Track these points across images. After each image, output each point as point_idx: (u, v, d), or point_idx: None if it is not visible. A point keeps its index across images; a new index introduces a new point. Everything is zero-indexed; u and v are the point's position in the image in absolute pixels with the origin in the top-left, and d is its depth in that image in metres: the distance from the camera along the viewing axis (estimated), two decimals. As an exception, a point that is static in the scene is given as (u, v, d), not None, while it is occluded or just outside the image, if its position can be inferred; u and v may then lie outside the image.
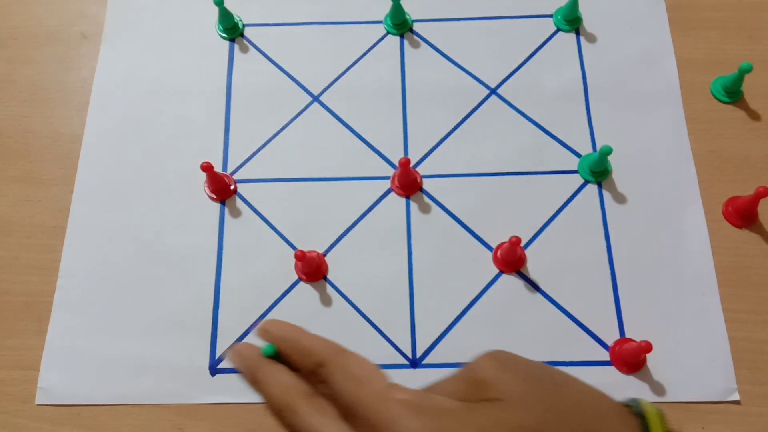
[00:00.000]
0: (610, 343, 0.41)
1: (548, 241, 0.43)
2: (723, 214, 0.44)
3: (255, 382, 0.34)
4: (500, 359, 0.29)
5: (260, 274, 0.43)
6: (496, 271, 0.43)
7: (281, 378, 0.34)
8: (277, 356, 0.36)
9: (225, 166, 0.46)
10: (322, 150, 0.46)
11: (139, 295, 0.42)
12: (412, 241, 0.44)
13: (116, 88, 0.49)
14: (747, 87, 0.47)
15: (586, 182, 0.45)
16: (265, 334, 0.37)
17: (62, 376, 0.40)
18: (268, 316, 0.42)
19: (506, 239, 0.41)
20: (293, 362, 0.35)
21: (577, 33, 0.50)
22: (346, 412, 0.30)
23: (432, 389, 0.31)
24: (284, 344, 0.35)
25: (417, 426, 0.26)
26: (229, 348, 0.36)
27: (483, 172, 0.46)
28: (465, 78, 0.49)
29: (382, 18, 0.51)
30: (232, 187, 0.45)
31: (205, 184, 0.45)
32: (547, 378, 0.29)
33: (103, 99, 0.48)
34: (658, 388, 0.39)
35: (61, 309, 0.42)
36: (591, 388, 0.29)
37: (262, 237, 0.44)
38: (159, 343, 0.41)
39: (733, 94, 0.47)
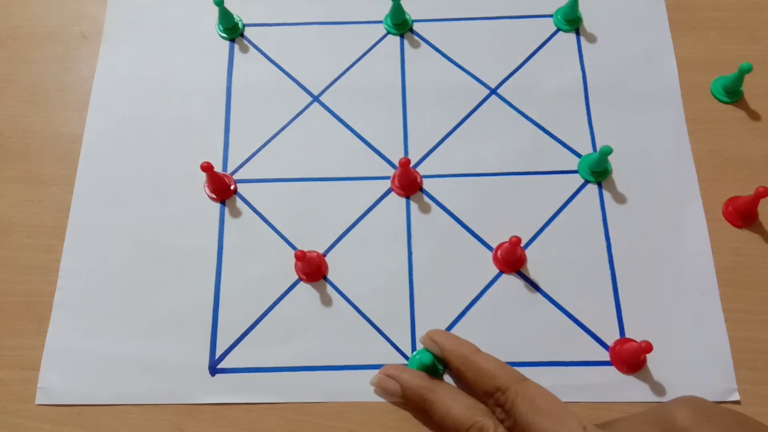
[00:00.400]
0: (610, 343, 0.41)
1: (548, 241, 0.43)
2: (723, 214, 0.44)
3: (427, 403, 0.33)
4: (697, 408, 0.28)
5: (260, 274, 0.43)
6: (496, 271, 0.43)
7: (462, 398, 0.33)
8: (431, 368, 0.36)
9: (225, 166, 0.46)
10: (322, 150, 0.47)
11: (139, 295, 0.42)
12: (412, 241, 0.44)
13: (116, 88, 0.49)
14: (747, 87, 0.47)
15: (586, 182, 0.45)
16: (433, 345, 0.36)
17: (62, 376, 0.40)
18: (269, 316, 0.42)
19: (506, 239, 0.41)
20: (464, 379, 0.34)
21: (577, 33, 0.50)
22: None
23: (621, 426, 0.30)
24: (458, 360, 0.34)
25: None
26: (379, 375, 0.35)
27: (483, 172, 0.46)
28: (465, 78, 0.49)
29: (382, 18, 0.51)
30: (232, 187, 0.45)
31: (205, 184, 0.45)
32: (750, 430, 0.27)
33: (103, 99, 0.48)
34: (658, 389, 0.39)
35: (61, 309, 0.42)
36: None
37: (262, 237, 0.44)
38: (159, 343, 0.41)
39: (733, 94, 0.47)
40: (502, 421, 0.31)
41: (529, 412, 0.30)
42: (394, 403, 0.38)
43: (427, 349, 0.38)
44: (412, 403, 0.35)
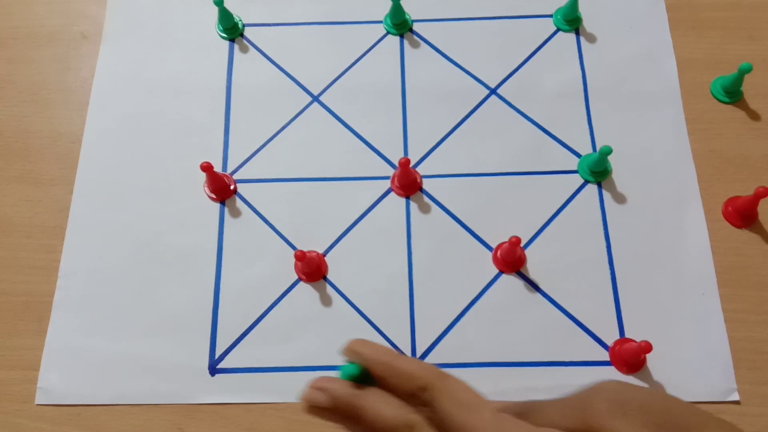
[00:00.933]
0: (610, 343, 0.41)
1: (548, 241, 0.43)
2: (723, 214, 0.44)
3: (357, 409, 0.33)
4: (613, 399, 0.27)
5: (260, 274, 0.43)
6: (496, 271, 0.43)
7: (391, 400, 0.33)
8: (361, 378, 0.36)
9: (225, 166, 0.46)
10: (322, 150, 0.46)
11: (139, 295, 0.42)
12: (412, 241, 0.44)
13: (116, 88, 0.49)
14: (747, 87, 0.47)
15: (586, 182, 0.45)
16: (354, 355, 0.36)
17: (62, 376, 0.40)
18: (269, 316, 0.42)
19: (506, 239, 0.41)
20: (389, 385, 0.34)
21: (577, 33, 0.50)
22: None
23: (539, 415, 0.30)
24: (380, 367, 0.34)
25: None
26: (307, 390, 0.35)
27: (483, 172, 0.46)
28: (465, 78, 0.49)
29: (382, 18, 0.51)
30: (231, 187, 0.45)
31: (205, 184, 0.45)
32: (673, 424, 0.27)
33: (103, 99, 0.48)
34: (658, 388, 0.39)
35: (61, 309, 0.42)
36: (724, 426, 0.27)
37: (262, 237, 0.44)
38: (159, 343, 0.41)
39: (732, 94, 0.47)
40: (428, 419, 0.32)
41: (448, 406, 0.31)
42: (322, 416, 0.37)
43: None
44: (342, 413, 0.35)
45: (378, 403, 0.33)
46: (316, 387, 0.35)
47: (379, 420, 0.33)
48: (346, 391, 0.34)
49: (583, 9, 0.50)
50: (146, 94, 0.48)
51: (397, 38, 0.50)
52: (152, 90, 0.49)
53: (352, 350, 0.36)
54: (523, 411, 0.30)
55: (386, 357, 0.35)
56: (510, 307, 0.42)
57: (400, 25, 0.50)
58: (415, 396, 0.33)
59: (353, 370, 0.35)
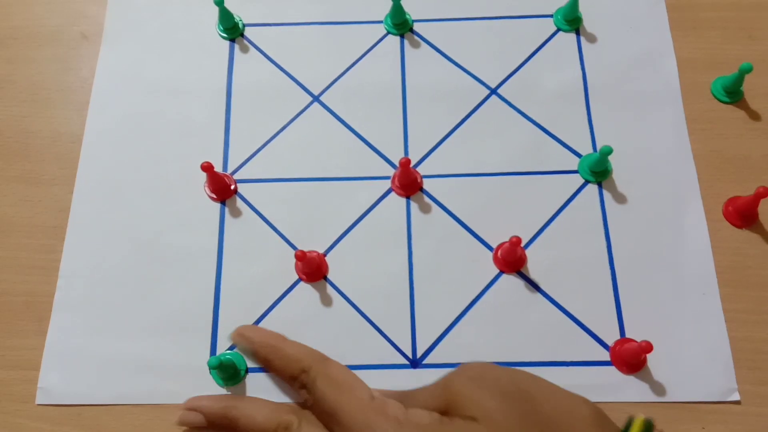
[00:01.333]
0: (610, 343, 0.41)
1: (548, 241, 0.43)
2: (723, 214, 0.44)
3: (233, 420, 0.34)
4: (473, 377, 0.30)
5: (260, 274, 0.43)
6: (497, 271, 0.43)
7: (265, 405, 0.34)
8: (228, 368, 0.37)
9: (225, 166, 0.46)
10: (322, 150, 0.47)
11: (140, 295, 0.42)
12: (413, 241, 0.44)
13: (116, 88, 0.49)
14: (747, 87, 0.47)
15: (587, 182, 0.45)
16: (242, 339, 0.37)
17: (63, 376, 0.40)
18: (269, 316, 0.42)
19: (507, 239, 0.41)
20: (274, 368, 0.35)
21: (578, 33, 0.50)
22: (326, 417, 0.31)
23: (411, 399, 0.31)
24: (266, 350, 0.35)
25: None
26: (181, 413, 0.36)
27: (483, 172, 0.46)
28: (465, 78, 0.49)
29: (382, 18, 0.51)
30: (232, 187, 0.45)
31: (206, 184, 0.45)
32: (521, 393, 0.29)
33: (103, 99, 0.48)
34: (658, 388, 0.39)
35: (62, 309, 0.42)
36: (568, 398, 0.29)
37: (263, 237, 0.44)
38: (159, 343, 0.41)
39: (733, 94, 0.47)
40: (306, 402, 0.33)
41: (325, 387, 0.32)
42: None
43: (236, 346, 0.38)
44: (218, 427, 0.35)
45: (250, 410, 0.34)
46: (188, 408, 0.36)
47: (254, 427, 0.33)
48: (218, 405, 0.35)
49: (584, 9, 0.50)
50: (146, 94, 0.48)
51: (398, 38, 0.50)
52: (152, 90, 0.49)
53: (240, 335, 0.37)
54: (399, 398, 0.32)
55: (273, 340, 0.36)
56: (510, 307, 0.42)
57: (401, 25, 0.50)
58: (295, 379, 0.33)
59: (224, 357, 0.36)
